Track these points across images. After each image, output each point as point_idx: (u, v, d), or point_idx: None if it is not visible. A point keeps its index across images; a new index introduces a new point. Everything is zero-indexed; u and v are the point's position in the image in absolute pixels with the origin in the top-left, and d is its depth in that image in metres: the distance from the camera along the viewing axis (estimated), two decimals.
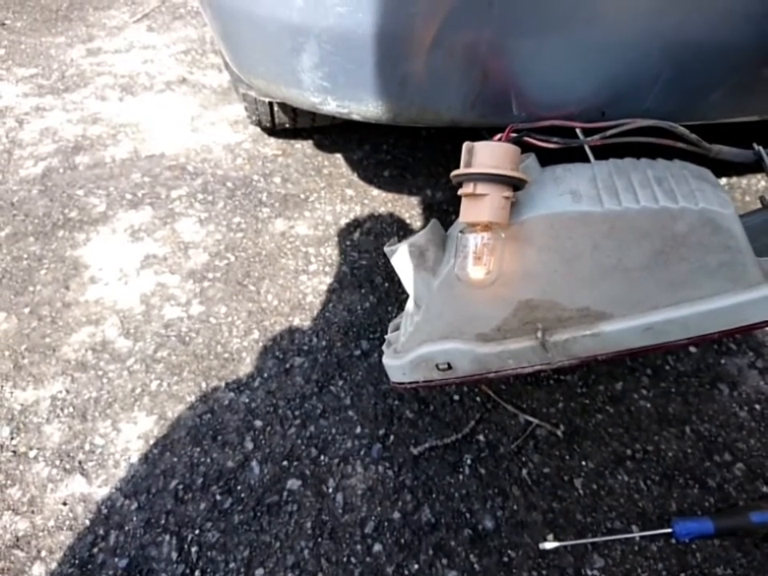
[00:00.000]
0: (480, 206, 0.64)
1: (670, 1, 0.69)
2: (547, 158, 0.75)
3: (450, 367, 0.81)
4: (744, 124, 0.98)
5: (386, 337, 0.92)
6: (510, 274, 0.69)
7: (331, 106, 0.85)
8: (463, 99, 0.79)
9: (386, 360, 0.87)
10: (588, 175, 0.68)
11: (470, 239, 0.66)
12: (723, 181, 1.61)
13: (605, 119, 0.70)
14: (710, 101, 0.81)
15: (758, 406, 1.06)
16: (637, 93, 0.78)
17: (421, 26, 0.70)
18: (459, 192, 0.66)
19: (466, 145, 0.64)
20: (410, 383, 0.86)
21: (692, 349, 1.15)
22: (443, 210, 1.51)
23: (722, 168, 1.58)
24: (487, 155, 0.63)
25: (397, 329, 0.91)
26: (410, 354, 0.82)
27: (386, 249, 0.78)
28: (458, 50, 0.72)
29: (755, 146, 0.71)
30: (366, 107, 0.83)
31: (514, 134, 0.69)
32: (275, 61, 0.85)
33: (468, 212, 0.66)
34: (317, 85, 0.81)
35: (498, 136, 0.68)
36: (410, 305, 0.84)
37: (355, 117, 0.86)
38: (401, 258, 0.76)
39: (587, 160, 0.73)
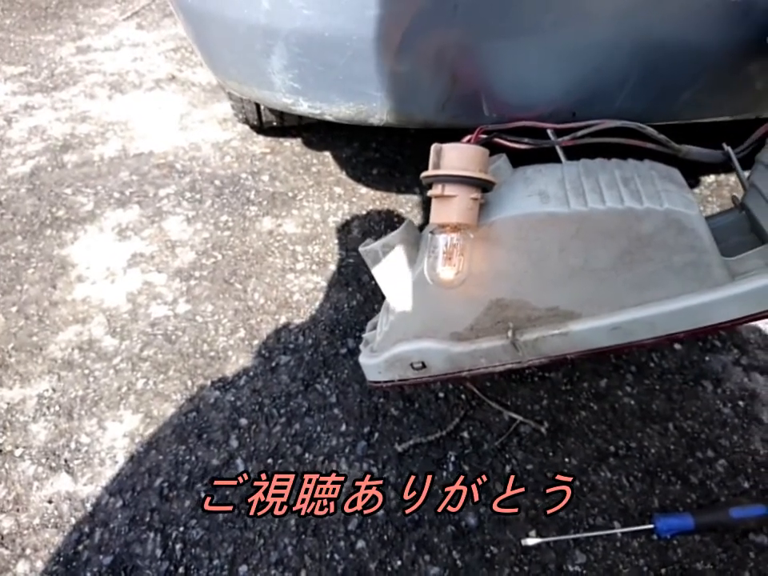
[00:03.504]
0: (449, 207, 0.64)
1: (638, 2, 0.69)
2: (523, 159, 0.75)
3: (424, 366, 0.81)
4: (717, 124, 0.98)
5: (363, 336, 0.93)
6: (481, 274, 0.70)
7: (303, 107, 0.85)
8: (434, 101, 0.79)
9: (362, 359, 0.87)
10: (557, 176, 0.68)
11: (439, 240, 0.66)
12: (712, 178, 1.61)
13: (575, 120, 0.70)
14: (680, 101, 0.80)
15: (741, 403, 1.05)
16: (607, 93, 0.77)
17: (387, 29, 0.69)
18: (429, 193, 0.67)
19: (434, 146, 0.65)
20: (386, 382, 0.86)
21: (676, 346, 1.15)
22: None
23: (696, 168, 1.57)
24: (455, 157, 0.63)
25: (374, 328, 0.91)
26: (385, 353, 0.82)
27: (361, 249, 0.78)
28: (426, 52, 0.72)
29: (724, 146, 0.71)
30: (338, 108, 0.83)
31: (484, 136, 0.69)
32: (246, 63, 0.85)
33: (437, 213, 0.66)
34: (288, 86, 0.81)
35: (467, 138, 0.68)
36: (386, 304, 0.84)
37: (328, 117, 0.86)
38: (375, 258, 0.76)
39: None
